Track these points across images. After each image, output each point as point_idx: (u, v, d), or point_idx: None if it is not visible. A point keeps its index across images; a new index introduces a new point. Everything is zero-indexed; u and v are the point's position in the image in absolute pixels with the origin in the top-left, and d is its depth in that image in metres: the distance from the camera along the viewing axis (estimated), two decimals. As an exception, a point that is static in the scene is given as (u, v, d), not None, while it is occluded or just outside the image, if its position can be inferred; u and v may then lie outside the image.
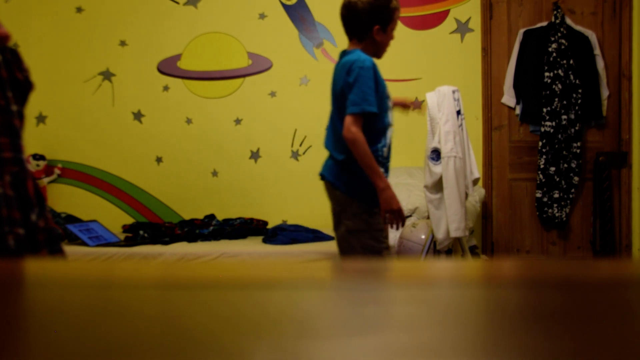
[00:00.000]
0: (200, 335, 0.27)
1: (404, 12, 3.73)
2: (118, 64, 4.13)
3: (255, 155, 4.08)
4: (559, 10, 3.85)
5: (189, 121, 4.09)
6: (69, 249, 2.80)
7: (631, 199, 3.86)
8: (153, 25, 4.11)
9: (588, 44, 3.83)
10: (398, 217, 1.94)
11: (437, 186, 2.68)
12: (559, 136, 3.80)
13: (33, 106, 4.01)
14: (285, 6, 4.06)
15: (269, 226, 3.70)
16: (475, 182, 2.79)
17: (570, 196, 3.85)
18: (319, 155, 4.04)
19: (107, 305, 0.34)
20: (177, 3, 4.10)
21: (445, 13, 4.00)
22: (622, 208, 3.88)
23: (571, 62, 3.80)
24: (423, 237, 3.01)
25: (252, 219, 3.70)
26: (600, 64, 3.84)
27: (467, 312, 0.31)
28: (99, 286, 0.39)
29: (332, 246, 3.11)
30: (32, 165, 3.96)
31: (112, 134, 4.12)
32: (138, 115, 4.12)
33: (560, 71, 3.79)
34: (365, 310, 0.32)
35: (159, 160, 4.11)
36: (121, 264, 0.51)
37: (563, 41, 3.80)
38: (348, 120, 1.90)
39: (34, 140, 4.04)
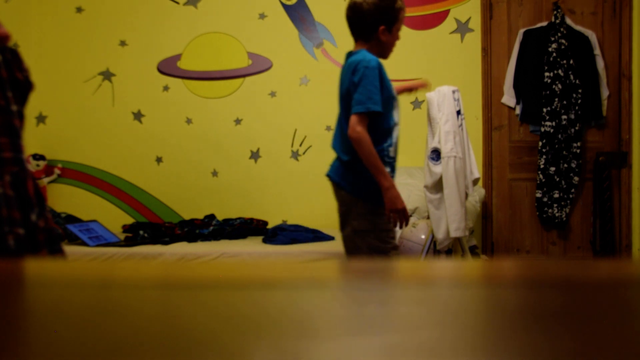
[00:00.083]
0: (200, 335, 0.27)
1: (404, 12, 3.73)
2: (118, 64, 4.13)
3: (255, 155, 4.08)
4: (559, 10, 3.85)
5: (189, 121, 4.09)
6: (69, 249, 2.80)
7: (631, 199, 3.86)
8: (153, 25, 4.11)
9: (588, 44, 3.83)
10: (402, 216, 1.94)
11: (437, 186, 2.68)
12: (559, 136, 3.80)
13: (33, 106, 4.01)
14: (285, 6, 4.06)
15: (269, 226, 3.70)
16: (475, 182, 2.79)
17: (570, 196, 3.85)
18: (319, 155, 4.06)
19: (107, 305, 0.34)
20: (177, 3, 4.10)
21: (445, 13, 4.00)
22: (622, 208, 3.88)
23: (571, 62, 3.80)
24: (423, 237, 3.01)
25: (252, 219, 3.70)
26: (600, 64, 3.84)
27: (467, 312, 0.31)
28: (99, 286, 0.39)
29: (332, 246, 3.11)
30: (32, 165, 3.96)
31: (112, 134, 4.12)
32: (138, 115, 4.12)
33: (560, 71, 3.79)
34: (365, 310, 0.32)
35: (159, 160, 4.11)
36: (121, 264, 0.51)
37: (563, 41, 3.80)
38: (353, 119, 1.90)
39: (34, 140, 4.04)
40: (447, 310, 0.32)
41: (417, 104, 3.98)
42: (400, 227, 2.00)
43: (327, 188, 3.98)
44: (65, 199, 4.09)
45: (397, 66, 4.00)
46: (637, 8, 3.80)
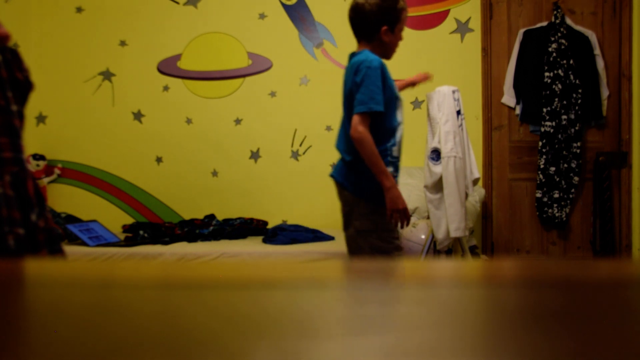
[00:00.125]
0: (200, 335, 0.27)
1: (404, 12, 3.73)
2: (118, 64, 4.13)
3: (255, 155, 4.08)
4: (559, 10, 3.85)
5: (189, 121, 4.09)
6: (69, 249, 2.80)
7: (631, 199, 3.86)
8: (153, 25, 4.11)
9: (588, 44, 3.83)
10: (404, 216, 1.95)
11: (437, 186, 2.68)
12: (559, 136, 3.80)
13: (33, 106, 4.01)
14: (285, 6, 4.06)
15: (269, 226, 3.70)
16: (475, 182, 2.79)
17: (570, 196, 3.85)
18: (319, 155, 4.06)
19: (107, 305, 0.34)
20: (177, 3, 4.10)
21: (445, 13, 4.00)
22: (622, 208, 3.88)
23: (571, 62, 3.80)
24: (423, 237, 3.01)
25: (252, 219, 3.70)
26: (600, 64, 3.84)
27: (467, 312, 0.31)
28: (99, 286, 0.39)
29: (332, 246, 3.11)
30: (32, 165, 3.96)
31: (112, 134, 4.12)
32: (138, 115, 4.12)
33: (560, 71, 3.79)
34: (366, 310, 0.32)
35: (159, 160, 4.11)
36: (121, 264, 0.51)
37: (563, 41, 3.80)
38: (355, 119, 1.91)
39: (34, 140, 4.04)
40: (447, 310, 0.32)
41: (417, 104, 3.98)
42: (402, 227, 2.00)
43: (327, 188, 3.99)
44: (65, 199, 4.09)
45: (397, 66, 3.99)
46: (637, 8, 3.80)
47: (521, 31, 3.91)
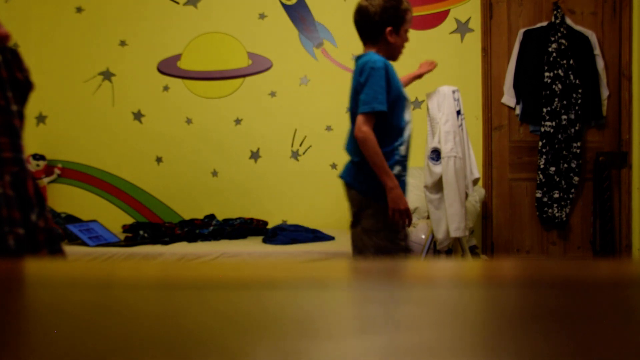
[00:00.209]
0: (200, 335, 0.27)
1: (404, 12, 3.73)
2: (118, 64, 4.13)
3: (255, 155, 4.08)
4: (559, 10, 3.85)
5: (189, 121, 4.09)
6: (69, 249, 2.81)
7: (631, 199, 3.86)
8: (153, 25, 4.11)
9: (588, 44, 3.83)
10: (405, 216, 1.96)
11: (437, 186, 2.68)
12: (559, 136, 3.80)
13: (33, 106, 4.01)
14: (285, 6, 4.06)
15: (269, 226, 3.70)
16: (475, 182, 2.79)
17: (570, 196, 3.85)
18: (319, 155, 4.06)
19: (107, 305, 0.34)
20: (177, 3, 4.10)
21: (445, 13, 4.00)
22: (622, 208, 3.88)
23: (571, 62, 3.80)
24: (423, 237, 3.01)
25: (252, 219, 3.70)
26: (600, 64, 3.84)
27: (467, 312, 0.31)
28: (99, 286, 0.39)
29: (332, 246, 3.11)
30: (32, 165, 3.96)
31: (112, 134, 4.12)
32: (138, 115, 4.12)
33: (560, 71, 3.79)
34: (366, 310, 0.32)
35: (159, 160, 4.11)
36: (121, 264, 0.51)
37: (563, 41, 3.80)
38: (359, 119, 1.93)
39: (34, 140, 4.04)
40: (447, 310, 0.32)
41: (417, 104, 3.99)
42: (403, 228, 2.02)
43: (327, 188, 3.99)
44: (65, 199, 4.09)
45: (397, 66, 3.99)
46: (637, 8, 3.80)
47: (521, 31, 3.91)
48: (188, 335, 0.27)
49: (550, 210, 3.85)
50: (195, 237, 3.37)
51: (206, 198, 4.06)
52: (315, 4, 4.05)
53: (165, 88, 4.11)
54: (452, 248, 2.83)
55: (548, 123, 3.80)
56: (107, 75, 4.14)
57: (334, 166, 4.03)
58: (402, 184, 2.05)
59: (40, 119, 4.15)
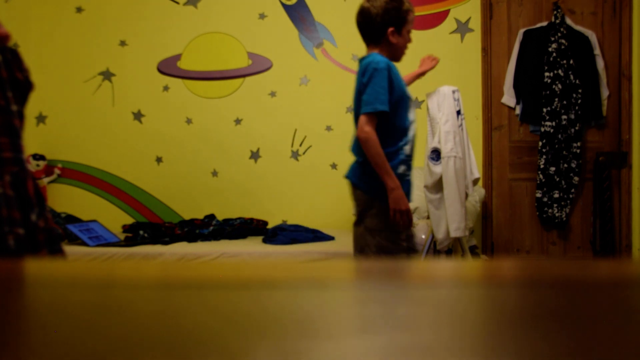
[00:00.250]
0: (200, 334, 0.27)
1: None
2: (118, 64, 4.13)
3: (255, 155, 4.08)
4: (559, 10, 3.85)
5: (189, 121, 4.09)
6: (69, 249, 2.80)
7: (631, 199, 3.86)
8: (153, 25, 4.11)
9: (588, 44, 3.83)
10: (405, 217, 1.97)
11: (437, 186, 2.68)
12: (559, 136, 3.80)
13: (33, 106, 4.01)
14: (285, 6, 4.06)
15: (269, 226, 3.70)
16: (475, 182, 2.79)
17: (570, 196, 3.85)
18: (319, 155, 4.06)
19: (107, 305, 0.34)
20: (177, 3, 4.10)
21: (445, 13, 4.00)
22: (622, 208, 3.88)
23: (571, 62, 3.80)
24: (423, 237, 3.01)
25: (252, 219, 3.70)
26: (600, 64, 3.84)
27: (467, 312, 0.31)
28: (99, 286, 0.39)
29: (332, 246, 3.11)
30: (32, 165, 3.96)
31: (112, 134, 4.12)
32: (138, 115, 4.12)
33: (560, 71, 3.79)
34: (366, 310, 0.32)
35: (159, 160, 4.11)
36: (121, 264, 0.51)
37: (563, 41, 3.80)
38: (361, 120, 1.95)
39: (34, 140, 4.04)
40: (447, 310, 0.32)
41: (417, 104, 3.99)
42: (405, 228, 2.03)
43: (327, 188, 3.99)
44: (65, 199, 4.09)
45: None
46: (637, 8, 3.80)
47: (521, 31, 3.91)
48: (188, 335, 0.27)
49: (550, 210, 3.85)
50: (195, 237, 3.37)
51: (206, 198, 4.06)
52: (315, 4, 4.05)
53: (165, 88, 4.11)
54: (452, 248, 2.83)
55: (548, 123, 3.80)
56: (107, 75, 4.14)
57: (334, 166, 4.03)
58: (407, 184, 2.07)
59: (40, 119, 4.15)
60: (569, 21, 3.86)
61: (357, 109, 2.03)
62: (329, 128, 4.03)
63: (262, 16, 4.07)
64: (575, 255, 3.93)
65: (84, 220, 3.54)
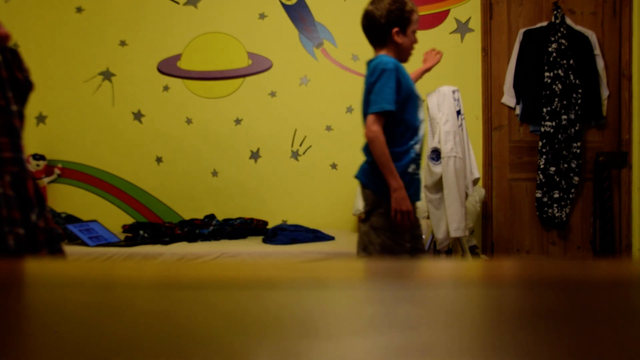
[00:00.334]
0: (201, 334, 0.27)
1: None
2: (118, 64, 4.13)
3: (255, 155, 4.08)
4: (559, 10, 3.85)
5: (189, 121, 4.09)
6: (69, 249, 2.80)
7: (631, 199, 3.86)
8: (153, 25, 4.11)
9: (588, 44, 3.83)
10: (406, 218, 1.98)
11: (437, 186, 2.68)
12: (559, 136, 3.80)
13: (33, 106, 4.01)
14: (285, 6, 4.06)
15: (269, 226, 3.70)
16: (475, 182, 2.79)
17: (570, 196, 3.85)
18: (319, 155, 4.06)
19: (107, 305, 0.34)
20: (177, 3, 4.10)
21: (445, 13, 4.00)
22: (622, 208, 3.88)
23: (571, 62, 3.80)
24: (423, 237, 3.01)
25: (252, 219, 3.70)
26: (600, 64, 3.84)
27: (466, 312, 0.31)
28: (99, 286, 0.39)
29: (332, 246, 3.11)
30: (32, 165, 3.96)
31: (112, 134, 4.12)
32: (138, 115, 4.12)
33: (560, 71, 3.79)
34: (366, 310, 0.32)
35: (159, 160, 4.11)
36: (121, 264, 0.51)
37: (563, 41, 3.80)
38: (369, 119, 1.98)
39: (34, 140, 4.04)
40: (447, 310, 0.32)
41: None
42: (413, 229, 2.05)
43: (327, 188, 3.99)
44: (65, 199, 4.09)
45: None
46: (637, 8, 3.80)
47: (521, 31, 3.91)
48: (188, 335, 0.27)
49: (550, 210, 3.85)
50: (195, 237, 3.37)
51: (206, 198, 4.07)
52: (315, 4, 4.05)
53: (165, 88, 4.11)
54: (452, 248, 2.83)
55: (548, 123, 3.80)
56: (107, 75, 4.14)
57: (334, 166, 4.03)
58: (417, 182, 2.10)
59: (40, 119, 4.15)
60: (569, 21, 3.86)
61: (365, 109, 2.05)
62: (329, 128, 4.03)
63: (262, 16, 4.07)
64: (575, 255, 3.93)
65: (84, 220, 3.54)
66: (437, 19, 4.00)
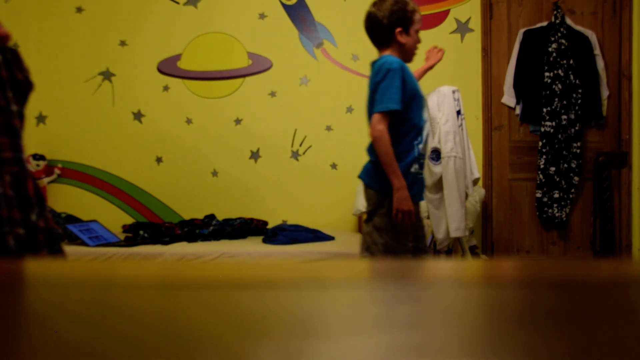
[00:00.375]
0: (201, 334, 0.27)
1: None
2: (118, 64, 4.13)
3: (255, 155, 4.08)
4: (559, 10, 3.85)
5: (189, 121, 4.09)
6: (69, 249, 2.80)
7: (631, 199, 3.86)
8: (153, 25, 4.11)
9: (588, 44, 3.83)
10: (407, 217, 1.99)
11: (437, 186, 2.68)
12: (559, 136, 3.80)
13: (33, 106, 4.01)
14: (285, 6, 4.06)
15: (269, 226, 3.70)
16: (475, 182, 2.79)
17: (570, 196, 3.85)
18: (319, 155, 4.06)
19: (107, 305, 0.34)
20: (177, 3, 4.10)
21: (445, 13, 4.00)
22: (622, 208, 3.88)
23: (571, 62, 3.80)
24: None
25: (252, 219, 3.70)
26: (600, 64, 3.84)
27: (466, 312, 0.31)
28: (99, 286, 0.39)
29: (332, 246, 3.11)
30: (32, 165, 3.96)
31: (112, 134, 4.12)
32: (138, 115, 4.12)
33: (560, 71, 3.79)
34: (366, 309, 0.32)
35: (159, 160, 4.11)
36: (121, 264, 0.51)
37: (563, 41, 3.80)
38: (374, 118, 1.99)
39: (34, 140, 4.04)
40: (447, 310, 0.32)
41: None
42: (402, 228, 2.04)
43: (327, 188, 3.99)
44: (65, 199, 4.09)
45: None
46: (637, 8, 3.80)
47: (521, 31, 3.91)
48: (188, 335, 0.27)
49: (550, 210, 3.85)
50: (195, 237, 3.37)
51: (206, 198, 4.07)
52: (315, 4, 4.05)
53: (165, 88, 4.11)
54: (452, 248, 2.83)
55: (548, 123, 3.80)
56: (107, 75, 4.14)
57: (334, 166, 4.03)
58: (421, 182, 2.11)
59: (40, 119, 4.15)
60: (569, 21, 3.86)
61: (371, 109, 2.05)
62: (329, 128, 4.03)
63: (262, 16, 4.07)
64: (575, 255, 3.93)
65: (84, 220, 3.54)
66: (437, 19, 4.00)
